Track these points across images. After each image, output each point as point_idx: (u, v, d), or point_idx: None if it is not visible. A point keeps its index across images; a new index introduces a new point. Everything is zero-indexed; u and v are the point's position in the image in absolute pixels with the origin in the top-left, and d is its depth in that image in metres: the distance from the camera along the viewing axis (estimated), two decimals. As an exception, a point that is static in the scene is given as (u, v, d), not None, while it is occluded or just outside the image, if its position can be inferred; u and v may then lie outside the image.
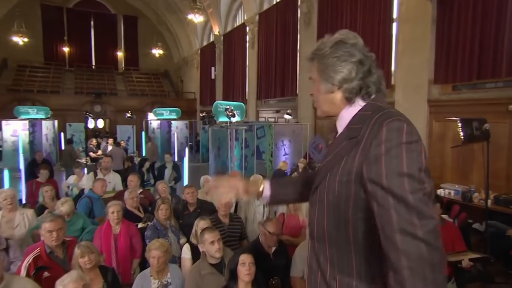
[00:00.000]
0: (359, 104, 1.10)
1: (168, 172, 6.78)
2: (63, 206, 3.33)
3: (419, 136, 0.96)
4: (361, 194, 1.00)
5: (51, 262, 2.43)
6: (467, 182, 5.71)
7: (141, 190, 4.75)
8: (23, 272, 2.28)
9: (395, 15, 7.17)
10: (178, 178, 6.81)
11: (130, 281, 2.90)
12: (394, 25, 7.16)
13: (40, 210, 4.05)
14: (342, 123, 1.13)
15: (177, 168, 7.02)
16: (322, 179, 1.11)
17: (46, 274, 2.31)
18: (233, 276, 2.18)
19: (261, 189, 1.33)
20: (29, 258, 2.37)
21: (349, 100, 1.10)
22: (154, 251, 2.48)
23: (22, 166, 7.04)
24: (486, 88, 5.79)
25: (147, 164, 7.91)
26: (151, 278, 2.52)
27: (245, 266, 2.17)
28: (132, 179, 4.52)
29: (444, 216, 4.81)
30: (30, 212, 3.55)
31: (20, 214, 3.42)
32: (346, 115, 1.12)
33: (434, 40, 6.24)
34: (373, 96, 1.10)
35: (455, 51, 5.92)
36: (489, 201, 5.05)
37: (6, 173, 5.30)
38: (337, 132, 1.16)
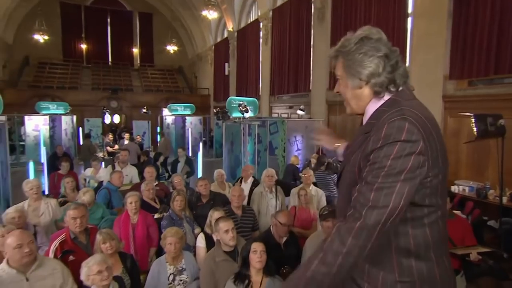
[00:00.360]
0: (384, 98, 1.12)
1: (180, 166, 6.90)
2: (85, 196, 3.51)
3: (421, 136, 0.99)
4: None
5: (76, 247, 2.60)
6: (482, 179, 5.63)
7: (156, 182, 4.90)
8: (51, 254, 2.46)
9: (410, 10, 7.08)
10: (191, 172, 6.93)
11: (147, 268, 3.04)
12: (409, 20, 7.07)
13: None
14: (366, 118, 1.17)
15: (190, 162, 7.14)
16: (343, 169, 1.22)
17: (71, 257, 2.48)
18: (245, 263, 2.29)
19: (336, 144, 1.59)
20: (56, 243, 2.54)
21: (377, 94, 1.12)
22: (170, 238, 2.62)
23: (44, 159, 7.33)
24: (503, 83, 5.67)
25: (161, 158, 8.11)
26: (167, 264, 2.65)
27: (257, 254, 2.27)
28: (150, 171, 4.69)
29: (457, 212, 4.79)
30: (53, 202, 3.75)
31: (45, 203, 3.62)
32: (370, 110, 1.15)
33: (450, 35, 6.15)
34: (400, 89, 1.12)
35: (471, 46, 5.82)
36: (505, 198, 4.99)
37: (31, 165, 5.56)
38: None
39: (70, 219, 2.63)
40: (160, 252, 3.30)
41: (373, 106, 1.14)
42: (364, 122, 1.17)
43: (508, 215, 4.77)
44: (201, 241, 2.94)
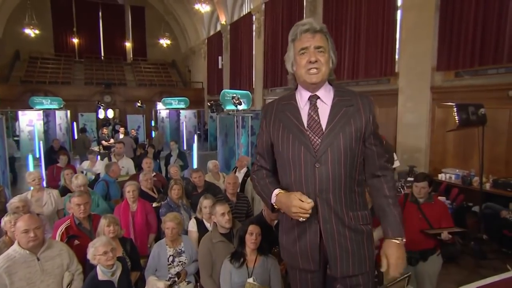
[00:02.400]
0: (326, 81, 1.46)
1: (173, 160, 6.88)
2: (77, 180, 3.64)
3: None
4: (362, 143, 1.44)
5: (80, 232, 2.76)
6: (468, 167, 5.87)
7: (154, 173, 5.04)
8: (57, 239, 2.61)
9: (399, 3, 7.23)
10: (184, 166, 6.89)
11: (147, 253, 3.21)
12: (399, 12, 7.23)
13: (62, 191, 4.37)
14: (329, 94, 1.45)
15: (183, 156, 7.18)
16: (334, 139, 1.39)
17: (76, 242, 2.63)
18: (242, 242, 2.48)
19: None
20: (62, 228, 2.69)
21: (330, 77, 1.47)
22: (169, 223, 2.79)
23: (40, 153, 7.39)
24: (487, 74, 5.87)
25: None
26: (167, 247, 2.83)
27: (253, 236, 2.45)
28: (148, 162, 4.87)
29: (442, 198, 5.02)
30: (55, 192, 3.88)
31: (47, 193, 3.76)
32: (328, 88, 1.47)
33: (438, 27, 6.31)
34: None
35: (457, 38, 6.00)
36: (488, 185, 5.24)
37: (30, 158, 5.66)
38: (313, 101, 1.46)
39: (74, 206, 2.78)
40: (159, 238, 3.47)
41: (328, 86, 1.47)
42: (327, 97, 1.45)
43: (492, 201, 5.02)
44: (192, 226, 3.13)
